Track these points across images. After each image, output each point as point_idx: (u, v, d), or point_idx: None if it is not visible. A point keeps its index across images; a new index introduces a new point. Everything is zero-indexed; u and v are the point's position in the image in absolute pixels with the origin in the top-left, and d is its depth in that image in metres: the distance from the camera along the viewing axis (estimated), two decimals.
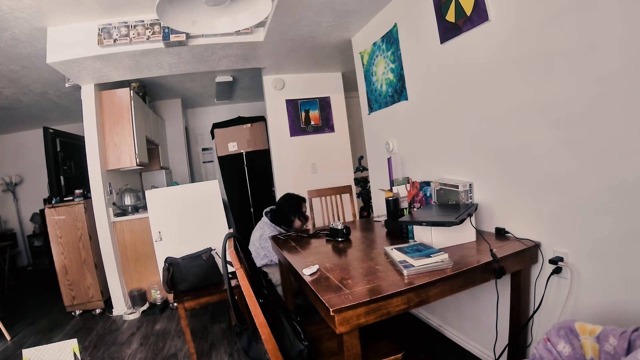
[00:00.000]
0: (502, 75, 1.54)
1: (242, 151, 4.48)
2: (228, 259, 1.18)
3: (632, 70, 1.07)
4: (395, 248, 1.44)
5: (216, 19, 1.54)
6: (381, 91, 2.54)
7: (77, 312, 3.17)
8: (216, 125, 4.58)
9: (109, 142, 3.19)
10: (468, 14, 1.64)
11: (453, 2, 1.71)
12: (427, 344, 2.15)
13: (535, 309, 1.49)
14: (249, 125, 4.56)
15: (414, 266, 1.25)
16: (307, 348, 1.22)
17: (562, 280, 1.39)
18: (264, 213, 2.68)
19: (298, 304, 2.58)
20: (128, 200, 3.31)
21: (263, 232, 2.58)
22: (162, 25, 2.39)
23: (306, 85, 3.85)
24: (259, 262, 2.54)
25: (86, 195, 3.25)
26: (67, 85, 3.09)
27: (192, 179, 5.25)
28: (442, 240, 1.49)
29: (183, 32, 2.39)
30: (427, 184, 1.96)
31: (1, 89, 3.30)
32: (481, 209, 1.73)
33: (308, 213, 2.68)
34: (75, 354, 1.48)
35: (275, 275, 2.44)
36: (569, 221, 1.34)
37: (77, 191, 3.24)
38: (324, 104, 3.92)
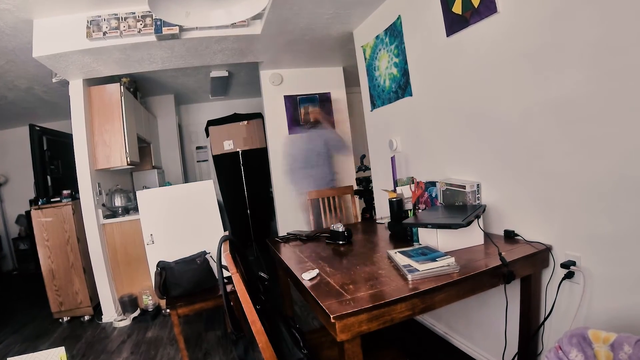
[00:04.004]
0: (511, 70, 1.54)
1: (238, 150, 4.48)
2: (223, 263, 1.18)
3: None
4: (399, 251, 1.44)
5: (211, 11, 1.54)
6: (384, 87, 2.54)
7: (65, 319, 3.17)
8: (211, 123, 4.58)
9: (99, 140, 3.19)
10: (475, 6, 1.64)
11: None
12: (433, 352, 2.15)
13: (546, 315, 1.49)
14: (245, 122, 4.56)
15: (418, 270, 1.25)
16: (306, 357, 1.21)
17: (574, 285, 1.39)
18: None
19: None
20: (118, 202, 3.31)
21: None
22: (154, 18, 2.39)
23: (305, 80, 3.84)
24: None
25: (74, 196, 3.25)
26: (54, 80, 3.09)
27: (186, 179, 5.25)
28: (448, 244, 1.49)
29: (176, 25, 2.39)
30: (433, 184, 1.96)
31: None
32: (489, 211, 1.73)
33: None
34: None
35: None
36: (581, 223, 1.34)
37: (64, 192, 3.24)
38: (324, 100, 3.92)
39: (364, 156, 4.14)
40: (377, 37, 2.53)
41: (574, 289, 1.39)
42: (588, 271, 1.33)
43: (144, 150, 4.15)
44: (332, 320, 1.05)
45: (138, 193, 2.62)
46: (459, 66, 1.83)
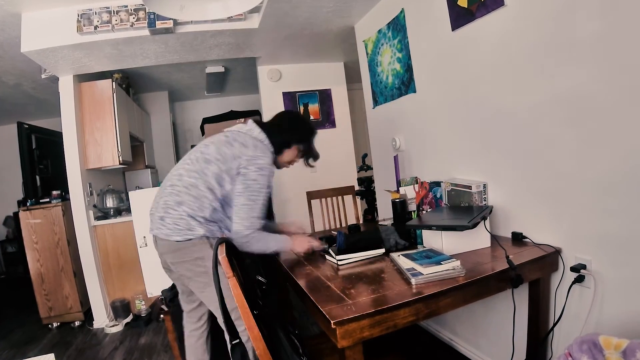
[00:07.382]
0: (519, 65, 1.54)
1: None
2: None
3: None
4: (402, 254, 1.44)
5: (206, 4, 1.54)
6: (387, 83, 2.54)
7: (55, 325, 3.17)
8: (207, 120, 4.58)
9: (90, 139, 3.19)
10: None
11: None
12: (437, 359, 2.15)
13: (555, 321, 1.48)
14: (242, 120, 4.55)
15: (422, 274, 1.25)
16: None
17: (584, 289, 1.38)
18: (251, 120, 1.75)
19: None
20: (110, 202, 3.31)
21: (238, 151, 1.59)
22: (147, 11, 2.39)
23: (305, 76, 3.85)
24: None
25: (64, 197, 3.25)
26: (43, 76, 3.09)
27: None
28: (453, 246, 1.49)
29: (170, 19, 2.39)
30: (437, 184, 1.95)
31: None
32: (496, 212, 1.73)
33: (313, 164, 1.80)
34: None
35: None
36: (592, 225, 1.34)
37: (54, 192, 3.24)
38: (324, 97, 3.92)
39: (365, 155, 4.14)
40: (379, 31, 2.53)
41: (585, 294, 1.38)
42: (599, 275, 1.33)
43: (136, 149, 4.15)
44: (333, 326, 1.05)
45: (131, 193, 2.62)
46: (465, 61, 1.83)
